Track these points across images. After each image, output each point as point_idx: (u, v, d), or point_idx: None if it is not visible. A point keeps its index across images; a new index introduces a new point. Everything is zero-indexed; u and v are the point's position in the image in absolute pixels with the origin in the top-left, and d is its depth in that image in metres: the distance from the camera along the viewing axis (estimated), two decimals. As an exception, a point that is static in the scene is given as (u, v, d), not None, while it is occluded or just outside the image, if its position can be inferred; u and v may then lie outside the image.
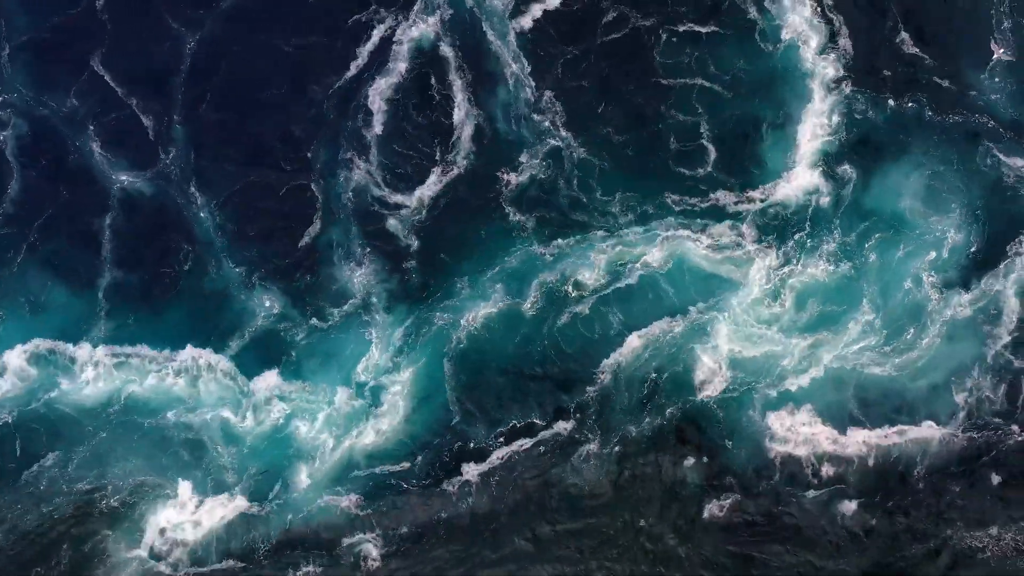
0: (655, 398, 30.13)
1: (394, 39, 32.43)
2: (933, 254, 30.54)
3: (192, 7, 32.63)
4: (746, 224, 31.11)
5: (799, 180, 31.28)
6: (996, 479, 29.05)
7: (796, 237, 31.00)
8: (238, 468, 29.56)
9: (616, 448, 29.68)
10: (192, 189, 31.47)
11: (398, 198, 31.60)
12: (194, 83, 32.14)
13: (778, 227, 31.12)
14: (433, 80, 32.26)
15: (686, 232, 31.19)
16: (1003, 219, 30.90)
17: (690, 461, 29.54)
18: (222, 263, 30.98)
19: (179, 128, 31.89)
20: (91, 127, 31.75)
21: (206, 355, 30.21)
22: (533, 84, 32.16)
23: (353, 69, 32.23)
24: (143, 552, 28.62)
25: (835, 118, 31.44)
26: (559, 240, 31.41)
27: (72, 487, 28.96)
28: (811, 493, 29.21)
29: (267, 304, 30.70)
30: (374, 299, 30.94)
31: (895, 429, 29.65)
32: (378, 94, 32.03)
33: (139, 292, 30.72)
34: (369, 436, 29.82)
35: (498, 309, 30.81)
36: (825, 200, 31.11)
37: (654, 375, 30.29)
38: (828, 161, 31.26)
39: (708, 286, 31.02)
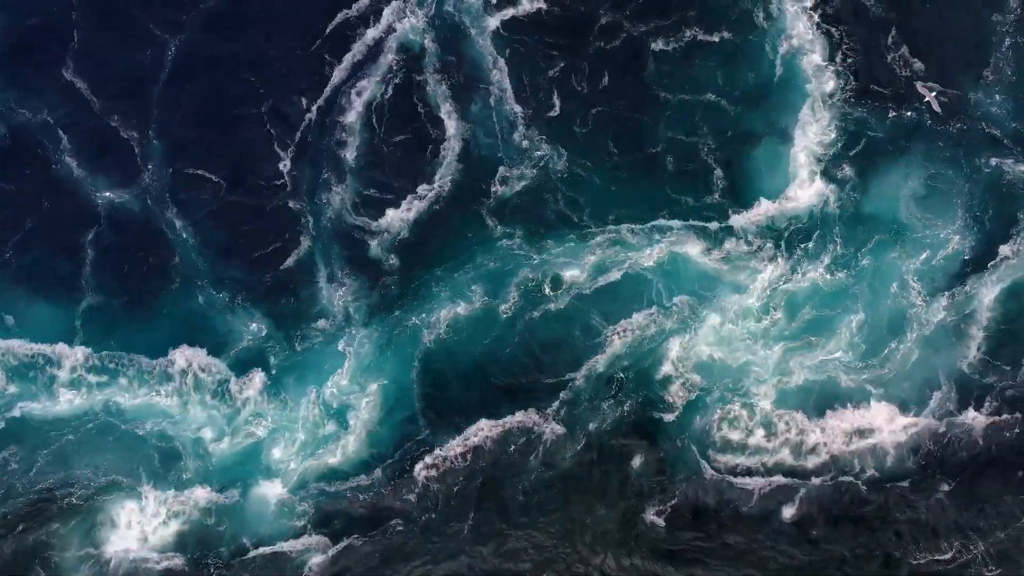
0: (619, 399, 29.96)
1: (376, 48, 31.86)
2: (925, 260, 30.55)
3: (170, 11, 32.04)
4: (740, 232, 31.08)
5: (796, 191, 31.21)
6: (945, 488, 29.11)
7: (791, 247, 30.95)
8: (204, 479, 29.46)
9: (575, 448, 29.54)
10: (170, 208, 31.10)
11: (379, 215, 31.18)
12: (171, 95, 31.60)
13: (773, 237, 31.05)
14: (416, 93, 31.71)
15: (675, 237, 31.04)
16: (1002, 226, 30.91)
17: (638, 463, 29.47)
18: (201, 282, 30.67)
19: (156, 143, 31.40)
20: (65, 139, 31.33)
21: (196, 357, 30.14)
22: (517, 94, 31.72)
23: (335, 80, 31.68)
24: (92, 549, 28.67)
25: (835, 129, 31.34)
26: (546, 243, 31.11)
27: (34, 485, 28.94)
28: (756, 500, 29.17)
29: (249, 324, 30.46)
30: (354, 316, 30.57)
31: (852, 440, 29.63)
32: (360, 108, 31.47)
33: (119, 310, 30.48)
34: (335, 453, 29.68)
35: (471, 312, 30.55)
36: (822, 211, 31.04)
37: (621, 375, 30.16)
38: (828, 172, 31.32)
39: (692, 289, 30.82)
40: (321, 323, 30.50)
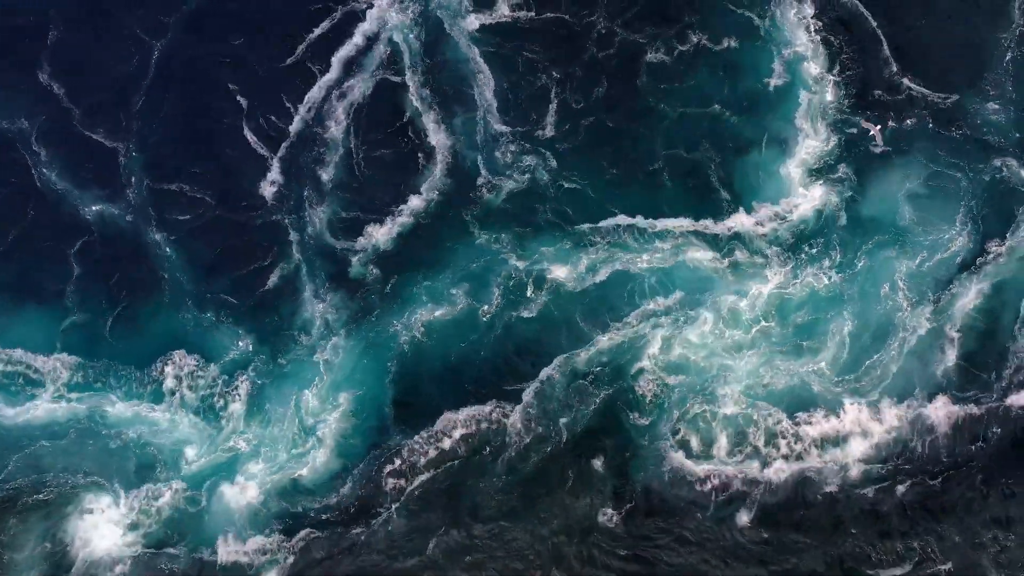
0: (591, 399, 29.82)
1: (360, 57, 31.34)
2: (918, 266, 30.38)
3: (152, 17, 31.49)
4: (735, 238, 30.94)
5: (793, 199, 31.02)
6: (908, 496, 29.01)
7: (787, 254, 30.79)
8: (175, 485, 29.46)
9: (544, 448, 29.46)
10: (153, 223, 30.90)
11: (363, 228, 30.87)
12: (152, 106, 31.18)
13: (769, 244, 30.89)
14: (401, 103, 31.26)
15: (668, 242, 30.84)
16: (997, 230, 30.70)
17: (602, 463, 29.41)
18: (185, 297, 30.51)
19: (136, 156, 31.07)
20: (44, 151, 31.08)
21: (181, 368, 30.11)
22: (504, 104, 31.19)
23: (317, 91, 31.21)
24: (49, 545, 28.79)
25: (833, 138, 31.18)
26: (533, 246, 30.87)
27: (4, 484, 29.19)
28: (714, 502, 29.10)
29: (233, 340, 30.33)
30: (334, 328, 30.36)
31: (819, 446, 29.41)
32: (343, 120, 30.97)
33: (104, 322, 30.40)
34: (307, 463, 29.62)
35: (451, 315, 30.39)
36: (819, 219, 30.87)
37: (595, 373, 30.00)
38: (826, 180, 31.13)
39: (682, 292, 30.63)
40: (304, 338, 30.36)
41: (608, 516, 28.86)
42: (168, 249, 30.62)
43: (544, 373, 29.85)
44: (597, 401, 29.75)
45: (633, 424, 29.50)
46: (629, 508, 28.92)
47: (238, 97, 31.29)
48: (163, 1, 31.77)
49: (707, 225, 30.81)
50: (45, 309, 30.39)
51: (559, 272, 30.52)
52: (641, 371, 29.93)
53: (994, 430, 29.09)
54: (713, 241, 30.76)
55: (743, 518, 28.87)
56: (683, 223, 30.87)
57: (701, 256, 30.63)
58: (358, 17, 31.53)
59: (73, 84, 31.35)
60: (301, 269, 30.60)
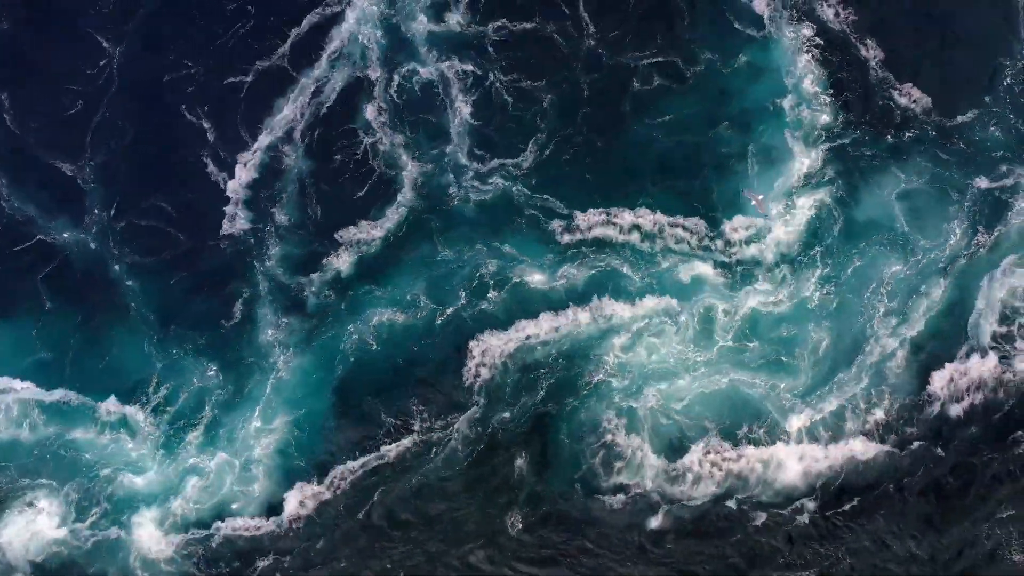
0: (527, 402, 29.17)
1: (324, 74, 30.84)
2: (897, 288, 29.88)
3: (112, 24, 31.11)
4: (722, 252, 30.48)
5: (782, 216, 30.67)
6: (811, 507, 28.47)
7: (773, 270, 30.28)
8: (103, 507, 28.83)
9: (471, 452, 28.84)
10: (114, 255, 30.28)
11: (329, 251, 30.22)
12: (108, 136, 30.62)
13: (758, 260, 30.48)
14: (364, 122, 30.67)
15: (648, 248, 30.31)
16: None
17: (522, 467, 28.70)
18: (146, 328, 29.86)
19: (95, 187, 30.47)
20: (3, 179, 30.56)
21: (131, 405, 29.48)
22: (475, 124, 30.54)
23: (280, 115, 30.64)
24: None
25: (825, 158, 30.92)
26: (505, 251, 30.14)
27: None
28: (618, 505, 28.45)
29: (192, 371, 29.63)
30: (290, 355, 29.54)
31: (740, 463, 28.72)
32: (303, 144, 30.41)
33: (69, 351, 29.82)
34: (237, 491, 28.87)
35: (406, 321, 29.70)
36: (807, 236, 30.43)
37: (544, 370, 29.32)
38: (817, 199, 30.68)
39: (653, 296, 29.89)
40: (264, 363, 29.69)
41: (516, 521, 28.26)
42: (131, 282, 30.09)
43: (486, 375, 29.14)
44: (534, 403, 29.09)
45: (557, 426, 28.91)
46: (542, 513, 28.29)
47: (198, 122, 30.75)
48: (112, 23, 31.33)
49: (691, 235, 30.26)
50: (10, 334, 29.94)
51: (530, 278, 29.91)
52: (587, 378, 29.26)
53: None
54: (695, 253, 30.22)
55: (652, 525, 28.19)
56: (665, 221, 30.32)
57: (682, 266, 30.06)
58: (323, 36, 31.15)
59: (26, 115, 30.88)
60: (262, 297, 30.01)
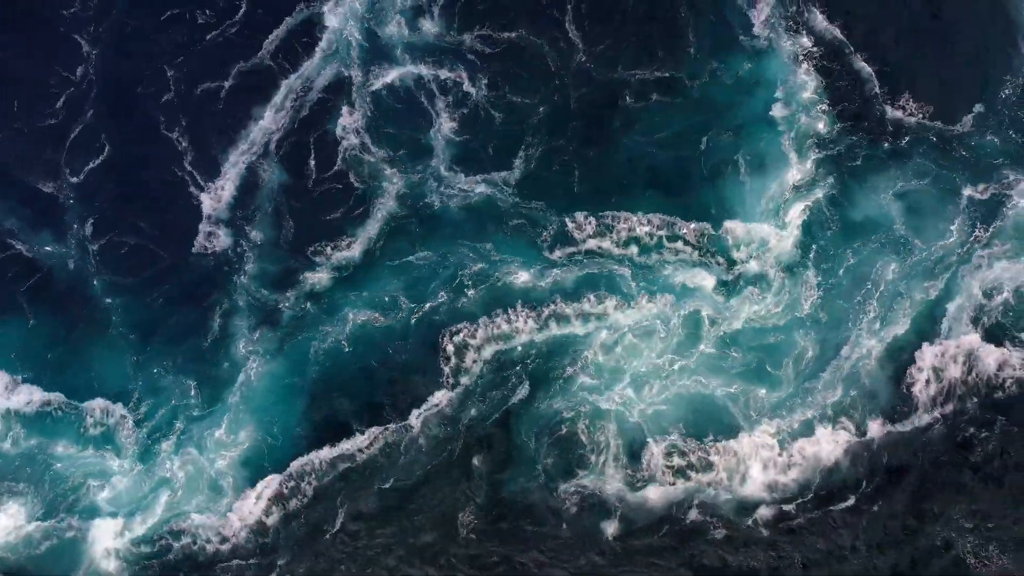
0: (502, 397, 29.35)
1: (301, 85, 30.78)
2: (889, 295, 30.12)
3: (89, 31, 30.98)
4: (715, 261, 30.54)
5: (777, 225, 30.71)
6: (771, 515, 28.43)
7: (765, 279, 30.45)
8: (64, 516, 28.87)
9: (434, 454, 29.00)
10: (93, 271, 30.25)
11: (308, 267, 30.22)
12: (86, 144, 30.56)
13: (750, 268, 30.55)
14: (345, 133, 30.62)
15: (638, 253, 30.45)
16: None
17: (480, 466, 28.85)
18: (125, 342, 29.87)
19: (74, 202, 30.39)
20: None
21: (113, 414, 29.59)
22: (459, 137, 30.58)
23: (258, 127, 30.58)
24: None
25: (821, 167, 31.05)
26: (488, 253, 30.28)
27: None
28: (578, 515, 28.55)
29: (169, 386, 29.70)
30: (261, 363, 29.68)
31: (708, 469, 28.90)
32: (279, 155, 30.38)
33: (52, 359, 29.93)
34: (203, 501, 28.99)
35: (381, 324, 29.82)
36: (802, 246, 30.60)
37: (519, 367, 29.52)
38: (812, 209, 30.83)
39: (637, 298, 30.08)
40: (239, 376, 29.76)
41: (470, 521, 28.37)
42: (110, 299, 30.05)
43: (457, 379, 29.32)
44: (505, 401, 29.22)
45: (529, 429, 29.02)
46: (494, 514, 28.40)
47: (176, 142, 30.68)
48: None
49: (685, 244, 30.41)
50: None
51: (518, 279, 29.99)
52: (561, 378, 29.37)
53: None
54: (691, 259, 30.34)
55: (608, 531, 28.26)
56: (663, 233, 30.41)
57: (674, 273, 30.17)
58: (302, 45, 31.05)
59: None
60: (239, 311, 30.02)
